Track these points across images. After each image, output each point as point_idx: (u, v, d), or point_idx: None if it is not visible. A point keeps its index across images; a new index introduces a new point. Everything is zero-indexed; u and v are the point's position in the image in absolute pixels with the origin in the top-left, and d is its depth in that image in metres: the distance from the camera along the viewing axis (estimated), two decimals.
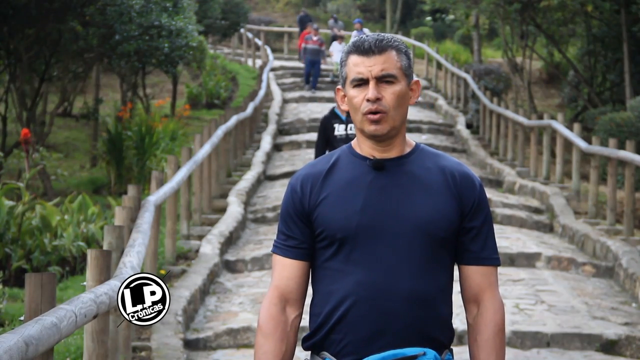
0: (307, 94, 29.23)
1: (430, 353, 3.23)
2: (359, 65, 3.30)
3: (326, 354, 3.29)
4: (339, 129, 11.66)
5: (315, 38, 29.24)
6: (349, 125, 11.59)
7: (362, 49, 3.31)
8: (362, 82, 3.30)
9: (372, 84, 3.29)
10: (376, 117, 3.28)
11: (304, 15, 39.18)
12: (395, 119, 3.30)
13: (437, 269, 3.29)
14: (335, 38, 39.06)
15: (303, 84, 30.10)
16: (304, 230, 3.36)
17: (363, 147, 3.36)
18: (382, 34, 3.35)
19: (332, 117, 11.81)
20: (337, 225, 3.28)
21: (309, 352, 3.37)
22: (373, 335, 3.23)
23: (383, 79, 3.29)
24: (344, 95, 3.38)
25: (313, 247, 3.36)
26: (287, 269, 3.38)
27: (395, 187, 3.31)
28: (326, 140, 11.76)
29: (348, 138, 11.62)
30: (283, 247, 3.40)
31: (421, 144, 3.43)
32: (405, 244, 3.26)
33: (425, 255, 3.27)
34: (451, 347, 3.38)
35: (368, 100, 3.28)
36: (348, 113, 11.77)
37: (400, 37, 37.42)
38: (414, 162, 3.35)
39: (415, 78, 3.40)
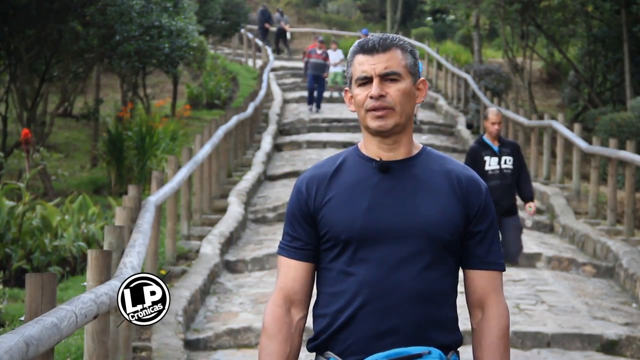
0: (307, 94, 29.10)
1: (435, 352, 3.23)
2: (363, 64, 3.31)
3: (330, 354, 3.29)
4: (491, 163, 10.07)
5: (319, 52, 26.51)
6: (504, 158, 10.11)
7: (367, 48, 3.32)
8: (366, 81, 3.31)
9: (375, 81, 3.29)
10: (380, 112, 3.28)
11: (264, 9, 39.64)
12: (400, 115, 3.30)
13: (441, 272, 3.29)
14: (281, 32, 39.26)
15: (308, 104, 26.87)
16: (309, 231, 3.35)
17: (369, 147, 3.36)
18: (387, 34, 3.37)
19: (482, 148, 10.14)
20: (341, 226, 3.28)
21: (313, 354, 3.37)
22: (378, 335, 3.23)
23: (387, 77, 3.30)
24: (352, 96, 3.38)
25: (318, 248, 3.36)
26: (292, 270, 3.37)
27: (400, 189, 3.30)
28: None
29: (502, 174, 10.08)
30: (288, 248, 3.38)
31: (428, 147, 3.43)
32: (410, 246, 3.26)
33: (430, 258, 3.27)
34: (457, 350, 3.37)
35: (371, 97, 3.29)
36: (501, 142, 10.26)
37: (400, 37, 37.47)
38: (420, 164, 3.35)
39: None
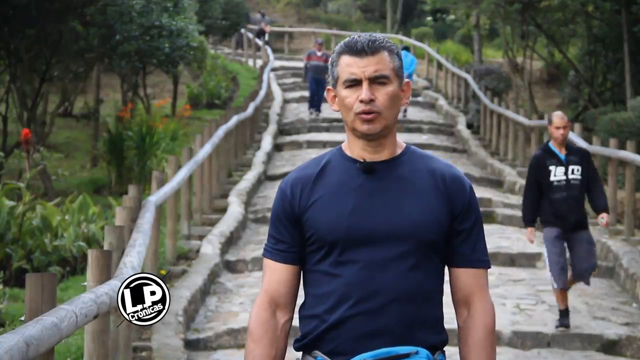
0: (308, 93, 29.04)
1: (423, 352, 3.23)
2: (352, 66, 3.29)
3: (318, 353, 3.29)
4: (557, 173, 9.19)
5: (319, 53, 25.51)
6: (572, 168, 9.22)
7: (355, 50, 3.29)
8: (355, 83, 3.29)
9: (365, 84, 3.27)
10: (369, 116, 3.27)
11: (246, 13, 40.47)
12: (387, 118, 3.30)
13: (427, 272, 3.29)
14: (261, 32, 39.39)
15: (308, 108, 26.01)
16: (294, 234, 3.35)
17: (354, 148, 3.35)
18: (374, 34, 3.34)
19: (547, 156, 9.27)
20: (327, 228, 3.28)
21: (300, 353, 3.37)
22: (366, 335, 3.23)
23: (376, 80, 3.28)
24: (334, 96, 3.37)
25: (303, 251, 3.36)
26: (277, 273, 3.37)
27: (385, 190, 3.30)
28: (537, 185, 9.26)
29: (569, 185, 9.21)
30: (273, 250, 3.38)
31: (411, 146, 3.42)
32: (395, 247, 3.26)
33: (415, 258, 3.27)
34: (443, 349, 3.38)
35: (361, 101, 3.27)
36: (569, 149, 9.49)
37: (400, 37, 37.47)
38: (404, 164, 3.35)
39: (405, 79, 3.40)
